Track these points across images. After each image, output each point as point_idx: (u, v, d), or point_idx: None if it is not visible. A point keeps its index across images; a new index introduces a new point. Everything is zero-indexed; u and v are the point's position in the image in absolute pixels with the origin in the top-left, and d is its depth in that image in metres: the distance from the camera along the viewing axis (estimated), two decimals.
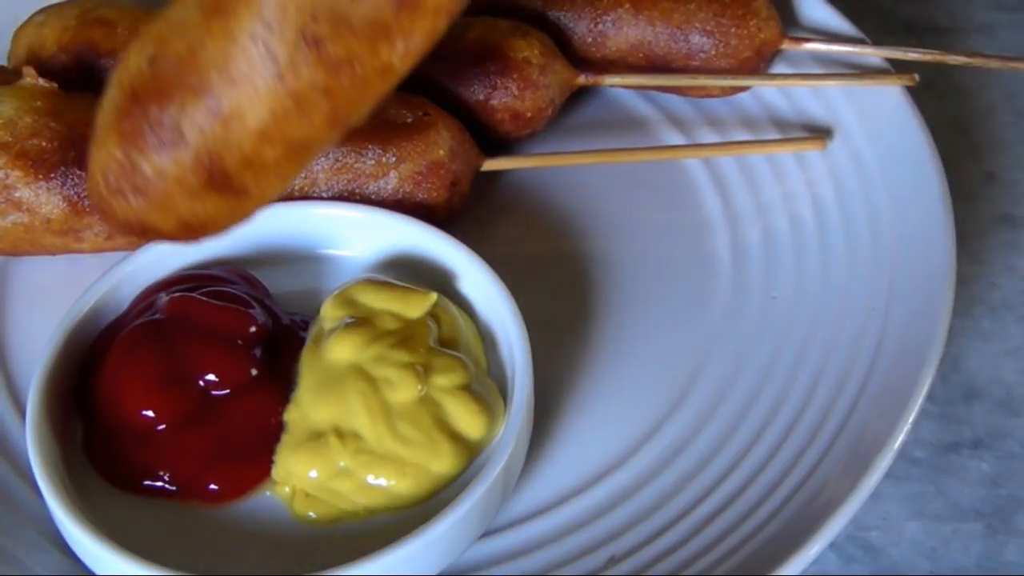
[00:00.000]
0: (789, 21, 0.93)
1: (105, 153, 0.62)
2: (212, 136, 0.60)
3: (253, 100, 0.59)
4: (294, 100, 0.59)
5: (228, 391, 0.69)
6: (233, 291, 0.74)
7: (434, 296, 0.73)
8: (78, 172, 0.77)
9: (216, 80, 0.59)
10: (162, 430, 0.69)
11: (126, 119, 0.61)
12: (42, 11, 0.87)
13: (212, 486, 0.68)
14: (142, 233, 0.64)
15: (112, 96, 0.62)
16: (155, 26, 0.62)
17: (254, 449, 0.69)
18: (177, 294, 0.73)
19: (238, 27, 0.59)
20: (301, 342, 0.73)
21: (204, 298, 0.72)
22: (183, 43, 0.60)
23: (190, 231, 0.64)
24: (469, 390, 0.70)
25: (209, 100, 0.59)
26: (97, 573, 0.67)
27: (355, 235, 0.80)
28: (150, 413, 0.68)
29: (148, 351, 0.70)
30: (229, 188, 0.62)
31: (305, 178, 0.80)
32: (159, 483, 0.68)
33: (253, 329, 0.71)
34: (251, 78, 0.59)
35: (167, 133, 0.60)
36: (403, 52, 0.60)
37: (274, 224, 0.78)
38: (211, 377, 0.69)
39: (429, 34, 0.60)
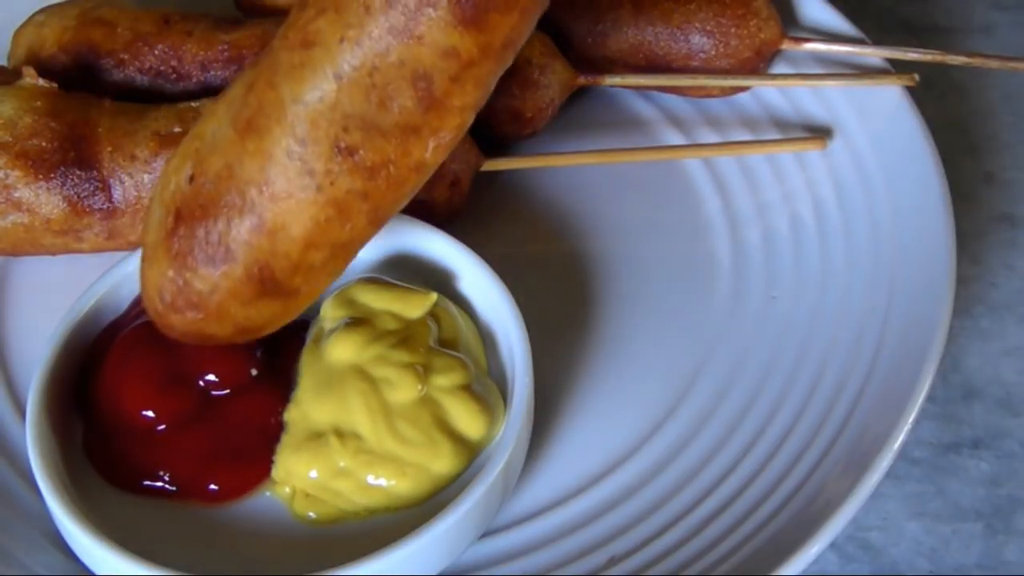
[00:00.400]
0: (789, 21, 0.93)
1: (157, 272, 0.64)
2: (260, 249, 0.62)
3: (295, 212, 0.61)
4: (335, 207, 0.62)
5: (228, 391, 0.69)
6: None
7: (434, 296, 0.73)
8: (78, 172, 0.77)
9: (257, 197, 0.61)
10: (162, 430, 0.69)
11: (173, 238, 0.63)
12: (42, 11, 0.87)
13: (212, 486, 0.68)
14: (201, 341, 0.66)
15: (156, 214, 0.64)
16: (190, 143, 0.64)
17: (254, 449, 0.69)
18: None
19: (273, 144, 0.61)
20: (301, 342, 0.73)
21: None
22: (221, 161, 0.62)
23: (248, 333, 0.66)
24: (469, 390, 0.70)
25: (252, 216, 0.62)
26: (97, 573, 0.67)
27: None
28: (150, 413, 0.69)
29: (148, 351, 0.70)
30: (281, 292, 0.64)
31: None
32: (158, 483, 0.68)
33: None
34: (291, 192, 0.61)
35: (215, 250, 0.62)
36: (434, 148, 0.62)
37: None
38: (211, 377, 0.69)
39: (458, 128, 0.63)
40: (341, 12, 0.59)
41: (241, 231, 0.62)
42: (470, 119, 0.63)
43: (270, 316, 0.66)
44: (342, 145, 0.61)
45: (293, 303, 0.66)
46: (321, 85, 0.60)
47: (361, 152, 0.61)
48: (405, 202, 0.65)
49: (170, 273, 0.64)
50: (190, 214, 0.63)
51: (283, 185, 0.61)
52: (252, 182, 0.62)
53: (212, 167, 0.63)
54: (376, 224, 0.65)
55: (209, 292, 0.64)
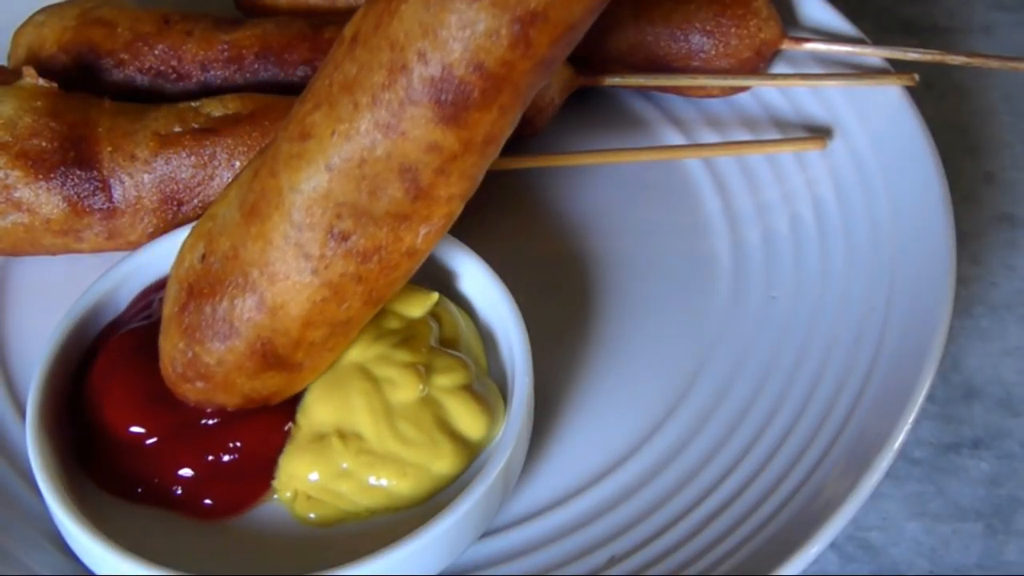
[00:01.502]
0: (789, 21, 0.94)
1: (170, 344, 0.68)
2: (261, 326, 0.66)
3: (293, 293, 0.65)
4: (330, 289, 0.65)
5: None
6: None
7: (435, 296, 0.73)
8: (78, 172, 0.77)
9: (258, 277, 0.65)
10: (152, 444, 0.68)
11: (184, 314, 0.67)
12: (42, 11, 0.87)
13: (207, 501, 0.68)
14: (212, 407, 0.69)
15: (172, 290, 0.68)
16: (204, 223, 0.68)
17: (254, 466, 0.68)
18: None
19: (272, 229, 0.64)
20: None
21: None
22: (227, 242, 0.66)
23: (256, 403, 0.69)
24: (470, 390, 0.70)
25: (254, 296, 0.65)
26: (97, 573, 0.67)
27: None
28: (138, 429, 0.68)
29: (136, 362, 0.70)
30: (284, 366, 0.67)
31: None
32: (151, 494, 0.68)
33: None
34: (288, 274, 0.65)
35: (221, 327, 0.66)
36: (425, 235, 0.65)
37: None
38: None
39: (447, 217, 0.66)
40: (334, 107, 0.63)
41: (244, 309, 0.66)
42: (459, 208, 0.66)
43: (276, 388, 0.69)
44: (336, 231, 0.64)
45: (298, 376, 0.69)
46: (315, 175, 0.63)
47: (354, 238, 0.64)
48: (400, 285, 0.68)
49: (181, 346, 0.67)
50: (199, 292, 0.67)
51: (281, 267, 0.65)
52: (254, 264, 0.65)
53: (220, 248, 0.66)
54: (372, 305, 0.68)
55: (216, 365, 0.67)
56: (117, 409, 0.69)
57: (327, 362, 0.69)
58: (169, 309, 0.68)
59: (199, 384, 0.68)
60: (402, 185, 0.63)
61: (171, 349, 0.68)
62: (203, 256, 0.67)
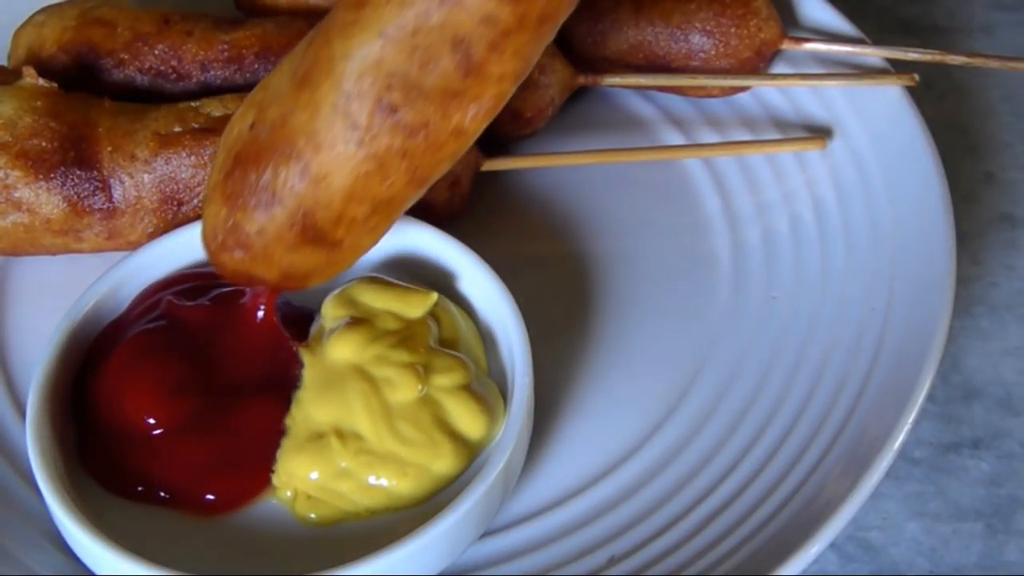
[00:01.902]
0: (789, 21, 0.93)
1: (212, 212, 0.68)
2: (303, 196, 0.66)
3: (337, 164, 0.65)
4: (375, 162, 0.65)
5: (233, 396, 0.69)
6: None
7: (434, 296, 0.73)
8: (78, 172, 0.77)
9: (304, 146, 0.65)
10: (159, 436, 0.68)
11: (229, 181, 0.67)
12: (42, 11, 0.87)
13: (209, 496, 0.68)
14: (250, 283, 0.69)
15: (219, 158, 0.68)
16: (257, 93, 0.68)
17: (254, 459, 0.68)
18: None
19: (322, 97, 0.64)
20: (303, 340, 0.72)
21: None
22: (277, 111, 0.66)
23: (293, 281, 0.69)
24: (469, 390, 0.70)
25: (299, 164, 0.65)
26: (97, 573, 0.67)
27: None
28: (151, 420, 0.68)
29: (156, 356, 0.70)
30: (324, 242, 0.67)
31: None
32: (153, 491, 0.68)
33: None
34: (334, 144, 0.64)
35: (264, 194, 0.66)
36: (474, 115, 0.65)
37: None
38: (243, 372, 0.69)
39: (497, 98, 0.65)
40: None
41: (288, 178, 0.65)
42: (509, 90, 0.65)
43: (314, 265, 0.68)
44: (384, 103, 0.63)
45: (337, 255, 0.68)
46: (368, 43, 0.63)
47: (402, 111, 0.63)
48: (445, 167, 0.67)
49: (223, 213, 0.67)
50: (245, 159, 0.66)
51: (328, 137, 0.64)
52: (301, 132, 0.65)
53: (269, 116, 0.66)
54: (415, 185, 0.67)
55: (256, 234, 0.67)
56: (137, 400, 0.68)
57: (367, 244, 0.69)
58: (214, 177, 0.68)
59: (238, 253, 0.68)
60: (454, 58, 0.62)
61: (213, 217, 0.68)
62: (252, 125, 0.67)
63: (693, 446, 0.75)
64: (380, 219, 0.68)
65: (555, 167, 0.88)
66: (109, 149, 0.77)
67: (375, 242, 0.70)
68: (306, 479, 0.68)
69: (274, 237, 0.67)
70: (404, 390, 0.69)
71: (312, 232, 0.66)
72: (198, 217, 0.78)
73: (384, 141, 0.64)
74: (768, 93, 0.93)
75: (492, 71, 0.63)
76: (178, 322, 0.71)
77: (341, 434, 0.68)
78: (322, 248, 0.67)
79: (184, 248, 0.77)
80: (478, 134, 0.66)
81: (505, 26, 0.62)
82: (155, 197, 0.78)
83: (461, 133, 0.66)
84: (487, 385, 0.72)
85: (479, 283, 0.76)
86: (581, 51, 0.90)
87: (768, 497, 0.71)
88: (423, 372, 0.69)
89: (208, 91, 0.83)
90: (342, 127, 0.64)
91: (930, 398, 0.77)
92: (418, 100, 0.63)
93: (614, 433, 0.76)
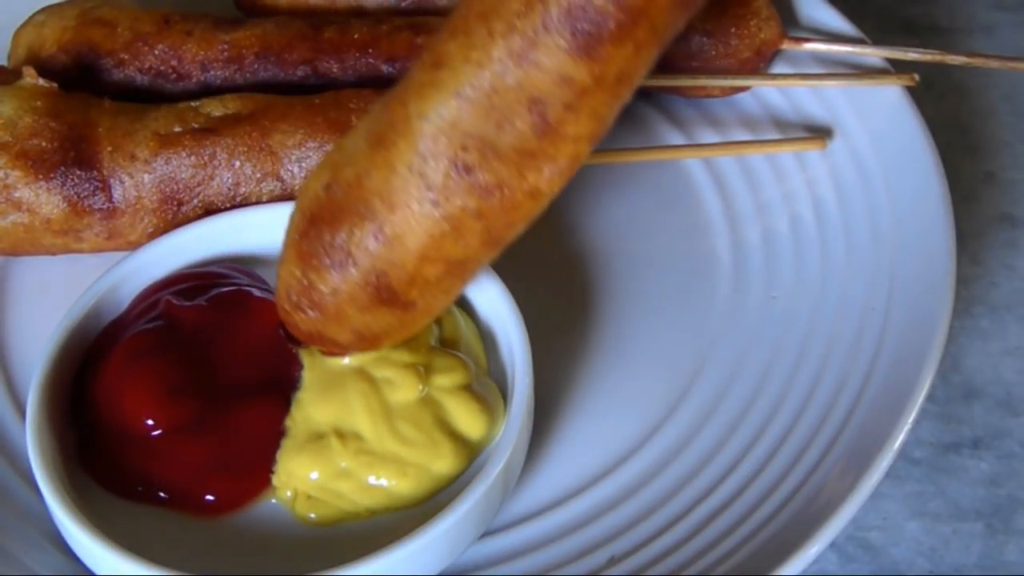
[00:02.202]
0: (789, 21, 0.93)
1: (287, 272, 0.68)
2: (378, 257, 0.66)
3: (412, 224, 0.65)
4: (449, 223, 0.64)
5: (233, 398, 0.69)
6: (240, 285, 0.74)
7: None
8: (78, 172, 0.77)
9: (379, 206, 0.65)
10: (158, 437, 0.68)
11: (304, 241, 0.67)
12: (42, 11, 0.87)
13: (208, 497, 0.68)
14: (322, 343, 0.70)
15: (295, 219, 0.69)
16: (332, 154, 0.68)
17: (254, 460, 0.68)
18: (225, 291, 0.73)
19: (397, 158, 0.64)
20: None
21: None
22: (352, 172, 0.66)
23: (365, 342, 0.69)
24: (470, 390, 0.70)
25: (373, 224, 0.65)
26: (97, 573, 0.67)
27: None
28: (150, 420, 0.68)
29: (154, 357, 0.70)
30: (397, 303, 0.67)
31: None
32: (153, 491, 0.68)
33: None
34: (409, 204, 0.64)
35: (338, 255, 0.66)
36: (549, 176, 0.65)
37: (274, 223, 0.77)
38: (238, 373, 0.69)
39: (573, 159, 0.65)
40: (468, 35, 0.62)
41: (362, 238, 0.65)
42: (585, 151, 0.65)
43: (387, 327, 0.68)
44: (460, 163, 0.63)
45: (409, 317, 0.68)
46: (444, 103, 0.63)
47: (477, 171, 0.63)
48: (520, 228, 0.67)
49: (297, 273, 0.68)
50: (320, 219, 0.67)
51: (403, 197, 0.64)
52: (376, 192, 0.65)
53: (345, 177, 0.66)
54: (490, 246, 0.67)
55: (330, 294, 0.67)
56: (135, 401, 0.68)
57: (440, 305, 0.69)
58: (289, 236, 0.69)
59: (312, 313, 0.68)
60: (530, 118, 0.62)
61: (287, 276, 0.68)
62: (327, 185, 0.67)
63: (693, 446, 0.75)
64: (453, 280, 0.68)
65: None
66: (109, 149, 0.77)
67: (448, 304, 0.70)
68: (306, 479, 0.68)
69: (347, 298, 0.67)
70: (404, 390, 0.69)
71: (386, 292, 0.66)
72: (198, 217, 0.78)
73: (459, 201, 0.64)
74: (768, 93, 0.93)
75: (568, 131, 0.63)
76: (177, 322, 0.71)
77: (341, 434, 0.68)
78: (395, 309, 0.67)
79: (184, 248, 0.77)
80: (554, 195, 0.66)
81: (582, 86, 0.61)
82: (155, 197, 0.78)
83: (536, 194, 0.65)
84: (487, 385, 0.72)
85: (479, 283, 0.76)
86: None
87: (768, 497, 0.71)
88: (423, 372, 0.69)
89: (208, 91, 0.83)
90: (417, 187, 0.64)
91: (930, 398, 0.77)
92: (493, 160, 0.63)
93: (614, 433, 0.76)
